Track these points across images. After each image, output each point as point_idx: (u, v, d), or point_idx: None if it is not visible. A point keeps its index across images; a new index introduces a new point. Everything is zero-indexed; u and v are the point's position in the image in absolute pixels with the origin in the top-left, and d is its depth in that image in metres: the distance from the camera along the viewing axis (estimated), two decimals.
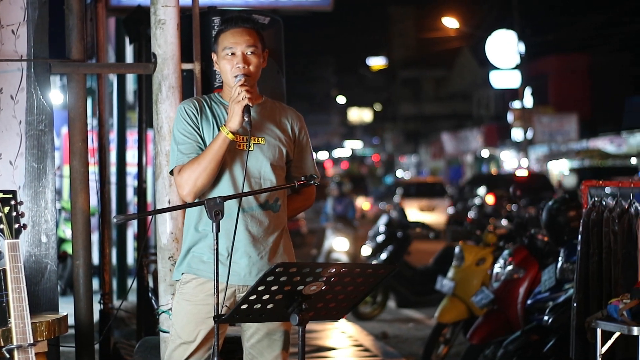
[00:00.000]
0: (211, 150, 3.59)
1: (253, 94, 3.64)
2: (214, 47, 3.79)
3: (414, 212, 23.23)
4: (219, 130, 3.66)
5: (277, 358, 3.74)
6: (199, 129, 3.69)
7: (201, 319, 3.65)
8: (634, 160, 24.67)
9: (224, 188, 3.65)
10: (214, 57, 3.80)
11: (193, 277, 3.70)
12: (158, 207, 4.56)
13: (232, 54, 3.70)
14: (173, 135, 3.72)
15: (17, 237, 3.64)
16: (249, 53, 3.71)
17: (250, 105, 3.57)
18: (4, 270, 3.65)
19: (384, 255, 11.17)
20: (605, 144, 28.54)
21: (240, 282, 3.65)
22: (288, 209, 3.83)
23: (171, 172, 3.71)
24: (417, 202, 24.64)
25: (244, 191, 3.61)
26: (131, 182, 11.14)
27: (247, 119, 3.56)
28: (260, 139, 3.72)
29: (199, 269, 3.68)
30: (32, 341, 3.58)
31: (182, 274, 3.73)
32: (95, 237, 7.63)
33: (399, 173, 53.72)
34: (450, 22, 31.14)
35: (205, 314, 3.62)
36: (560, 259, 6.10)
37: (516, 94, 31.29)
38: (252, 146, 3.68)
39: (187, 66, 4.73)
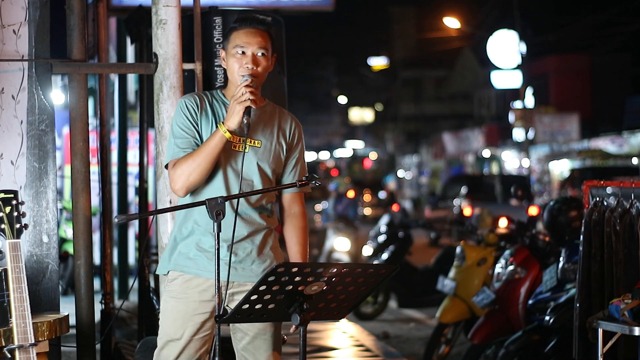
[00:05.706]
0: (207, 147, 3.57)
1: (257, 96, 3.63)
2: (224, 43, 3.76)
3: None
4: (217, 127, 3.65)
5: (269, 359, 3.73)
6: (197, 125, 3.67)
7: (188, 316, 3.64)
8: (635, 161, 24.64)
9: (217, 187, 3.64)
10: (222, 53, 3.77)
11: (179, 274, 3.69)
12: (159, 207, 4.56)
13: (243, 53, 3.67)
14: (171, 128, 3.70)
15: (18, 237, 3.64)
16: (260, 55, 3.68)
17: (253, 107, 3.56)
18: (5, 270, 3.66)
19: (385, 255, 11.17)
20: (606, 144, 28.52)
21: (224, 279, 3.59)
22: (295, 231, 3.80)
23: (166, 166, 3.69)
24: None
25: (235, 193, 3.60)
26: (132, 182, 11.13)
27: (245, 121, 3.54)
28: (257, 142, 3.70)
29: (185, 266, 3.68)
30: (33, 341, 3.57)
31: (169, 271, 3.73)
32: (96, 237, 7.62)
33: (400, 173, 53.72)
34: (451, 22, 31.07)
35: (193, 310, 3.62)
36: (561, 259, 6.09)
37: (517, 94, 31.25)
38: (247, 148, 3.67)
39: (188, 66, 4.73)
